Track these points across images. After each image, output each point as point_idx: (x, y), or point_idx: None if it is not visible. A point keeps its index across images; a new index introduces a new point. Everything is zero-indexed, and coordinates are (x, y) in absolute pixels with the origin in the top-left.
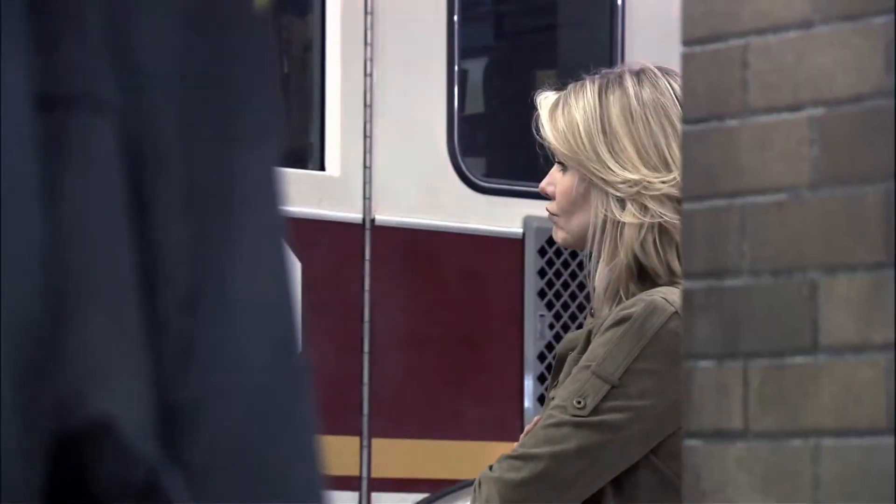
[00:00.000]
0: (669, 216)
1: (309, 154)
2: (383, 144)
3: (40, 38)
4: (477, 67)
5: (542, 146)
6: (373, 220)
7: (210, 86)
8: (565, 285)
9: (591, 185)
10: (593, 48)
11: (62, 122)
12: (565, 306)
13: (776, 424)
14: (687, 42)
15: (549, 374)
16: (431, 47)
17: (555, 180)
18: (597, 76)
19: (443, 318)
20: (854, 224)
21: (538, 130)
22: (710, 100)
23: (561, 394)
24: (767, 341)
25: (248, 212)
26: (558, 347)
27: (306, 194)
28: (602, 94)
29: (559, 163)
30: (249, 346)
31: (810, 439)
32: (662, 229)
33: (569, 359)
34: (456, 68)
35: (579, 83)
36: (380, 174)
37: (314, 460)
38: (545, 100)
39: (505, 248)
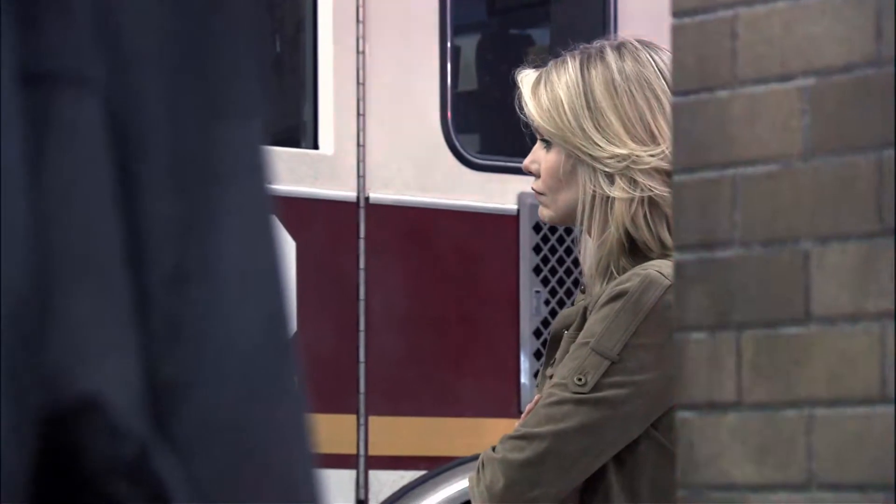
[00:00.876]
0: (659, 189)
1: (302, 133)
2: (377, 122)
3: (24, 15)
4: (470, 44)
5: (526, 124)
6: (367, 199)
7: (195, 62)
8: (560, 261)
9: (577, 161)
10: (586, 23)
11: (47, 99)
12: (561, 282)
13: (769, 395)
14: (676, 14)
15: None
16: (424, 24)
17: (538, 158)
18: (576, 52)
19: (438, 296)
20: (846, 193)
21: (521, 108)
22: (699, 71)
23: (560, 371)
24: (760, 312)
25: (235, 187)
26: (553, 325)
27: (300, 173)
28: (584, 69)
29: (542, 140)
30: (237, 322)
31: (804, 409)
32: (652, 203)
33: (565, 336)
34: (449, 45)
35: (559, 59)
36: (373, 152)
37: (304, 438)
38: (526, 77)
39: (500, 225)
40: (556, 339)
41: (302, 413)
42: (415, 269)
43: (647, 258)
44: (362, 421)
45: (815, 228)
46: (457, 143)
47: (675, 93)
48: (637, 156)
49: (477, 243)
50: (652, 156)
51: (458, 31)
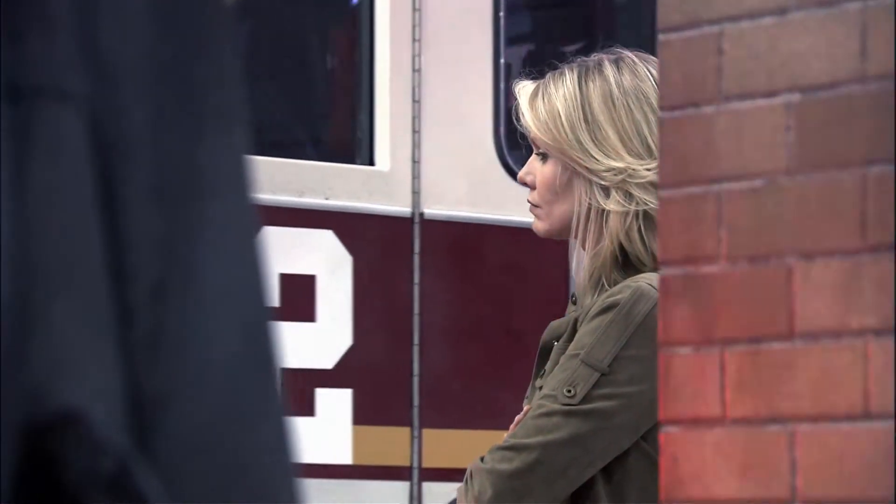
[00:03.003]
0: (654, 203)
1: (358, 149)
2: (431, 139)
3: (6, 29)
4: (522, 62)
5: (523, 136)
6: (421, 214)
7: (177, 75)
8: None
9: (574, 173)
10: (637, 41)
11: (29, 113)
12: None
13: (753, 410)
14: (662, 29)
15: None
16: (477, 43)
17: (534, 170)
18: (574, 64)
19: (490, 310)
20: (830, 210)
21: (518, 120)
22: (685, 87)
23: (550, 383)
24: (744, 328)
25: (217, 200)
26: (543, 336)
27: (356, 189)
28: (582, 82)
29: (538, 152)
30: (219, 336)
31: (787, 425)
32: (647, 216)
33: (555, 347)
34: (502, 62)
35: (557, 71)
36: (428, 168)
37: (286, 450)
38: (523, 89)
39: (550, 241)
40: (545, 351)
41: (284, 425)
42: (467, 283)
43: (638, 271)
44: (416, 433)
45: (800, 244)
46: (509, 160)
47: (661, 108)
48: (633, 169)
49: (528, 258)
50: (648, 169)
51: (510, 49)
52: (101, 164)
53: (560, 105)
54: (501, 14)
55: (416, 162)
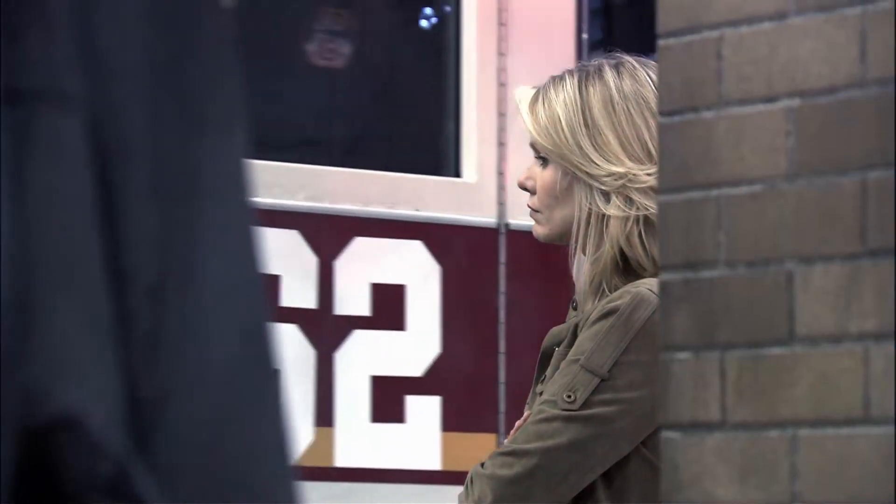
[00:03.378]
0: (654, 208)
1: (446, 161)
2: (517, 151)
3: (6, 30)
4: None
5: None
6: (507, 225)
7: (176, 76)
8: None
9: (574, 178)
10: None
11: (28, 115)
12: None
13: (753, 415)
14: (662, 34)
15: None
16: (561, 56)
17: (534, 175)
18: (575, 69)
19: None
20: (830, 214)
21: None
22: (685, 91)
23: (550, 389)
24: (744, 332)
25: (215, 200)
26: (543, 342)
27: (444, 200)
28: (582, 86)
29: (539, 157)
30: (217, 336)
31: (787, 430)
32: (647, 221)
33: (555, 353)
34: None
35: (558, 76)
36: (513, 180)
37: (283, 451)
38: (524, 94)
39: None
40: (546, 356)
41: (282, 425)
42: (552, 293)
43: (639, 276)
44: (502, 440)
45: (800, 249)
46: None
47: (660, 113)
48: (633, 174)
49: None
50: (648, 174)
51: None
52: (101, 164)
53: (560, 110)
54: (584, 27)
55: (501, 174)
